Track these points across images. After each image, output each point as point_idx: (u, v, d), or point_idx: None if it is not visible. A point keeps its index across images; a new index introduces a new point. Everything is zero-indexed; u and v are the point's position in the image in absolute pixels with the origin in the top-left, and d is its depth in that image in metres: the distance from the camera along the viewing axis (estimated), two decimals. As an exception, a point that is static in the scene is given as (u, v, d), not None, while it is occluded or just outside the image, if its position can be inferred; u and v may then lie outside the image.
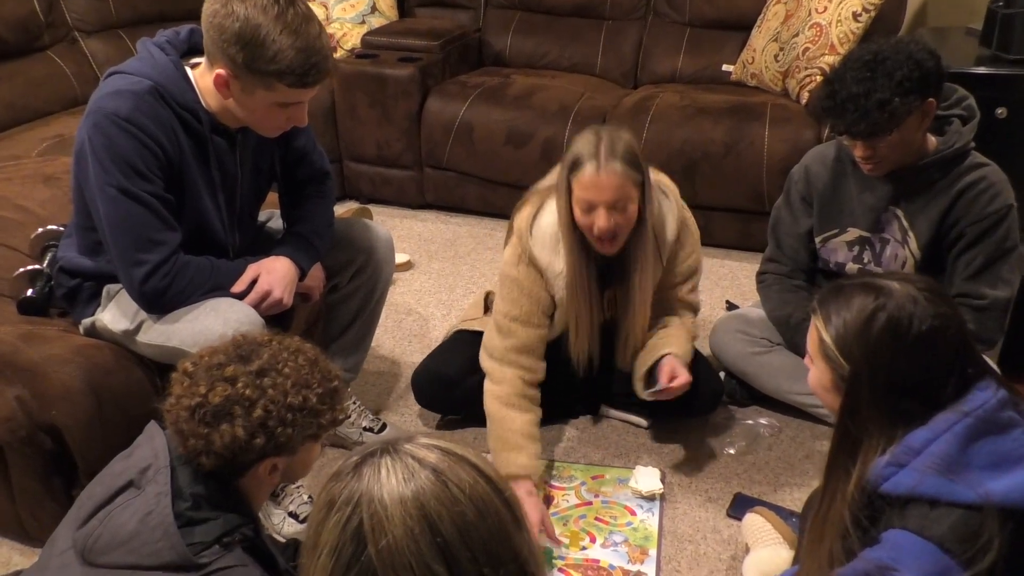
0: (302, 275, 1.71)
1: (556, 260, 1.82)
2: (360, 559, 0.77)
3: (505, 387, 1.85)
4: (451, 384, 2.03)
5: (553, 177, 1.81)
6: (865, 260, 1.95)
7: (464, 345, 2.05)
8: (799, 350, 1.96)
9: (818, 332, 1.19)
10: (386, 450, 0.83)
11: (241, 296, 1.60)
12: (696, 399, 1.98)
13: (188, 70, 1.56)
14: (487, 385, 1.89)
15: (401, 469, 0.80)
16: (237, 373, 1.14)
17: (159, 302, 1.57)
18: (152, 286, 1.54)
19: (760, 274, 2.13)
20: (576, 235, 1.76)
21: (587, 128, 1.74)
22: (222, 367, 1.15)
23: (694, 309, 2.03)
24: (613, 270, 1.87)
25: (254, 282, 1.63)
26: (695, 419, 2.12)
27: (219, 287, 1.60)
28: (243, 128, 1.63)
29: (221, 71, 1.47)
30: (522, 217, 1.85)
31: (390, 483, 0.79)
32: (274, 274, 1.64)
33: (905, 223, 1.86)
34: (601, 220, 1.68)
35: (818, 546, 1.19)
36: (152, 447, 1.17)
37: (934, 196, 1.82)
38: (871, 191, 1.87)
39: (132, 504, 1.11)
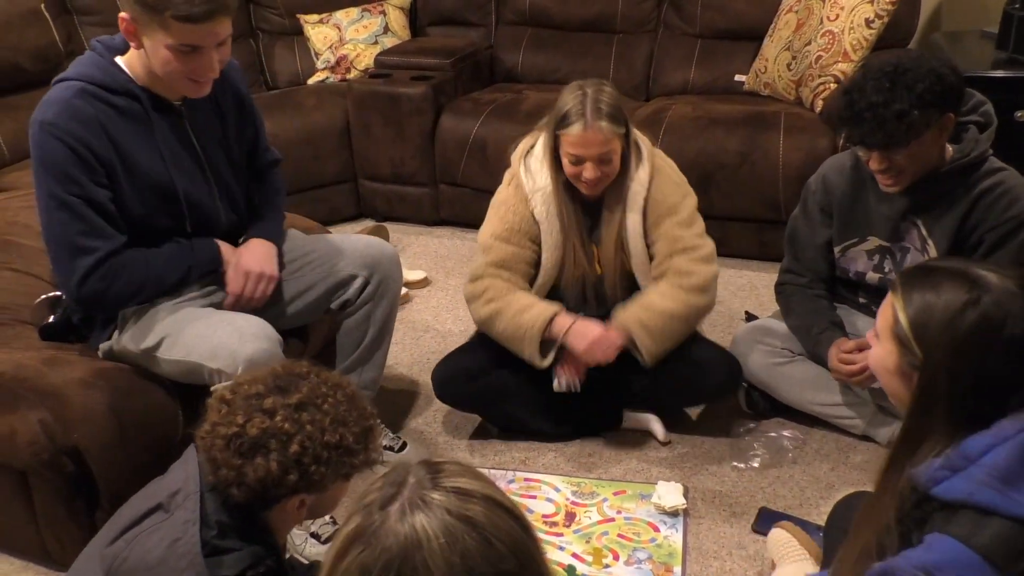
0: (280, 252, 1.78)
1: (539, 178, 1.94)
2: None
3: (491, 292, 1.94)
4: (471, 377, 2.04)
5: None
6: (886, 269, 1.93)
7: (485, 341, 2.06)
8: (821, 361, 1.95)
9: (894, 311, 1.10)
10: (411, 500, 0.77)
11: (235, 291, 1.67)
12: (711, 377, 2.00)
13: (119, 59, 1.59)
14: (476, 307, 1.96)
15: (437, 525, 0.75)
16: (276, 405, 1.13)
17: (99, 304, 1.62)
18: (89, 289, 1.57)
19: (779, 285, 2.11)
20: (559, 174, 1.90)
21: (572, 83, 1.86)
22: (261, 398, 1.14)
23: (698, 256, 1.93)
24: (596, 224, 1.96)
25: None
26: (716, 428, 2.10)
27: (159, 277, 1.63)
28: (186, 102, 1.64)
29: (124, 15, 1.49)
30: (520, 146, 2.02)
31: (429, 546, 0.74)
32: (243, 257, 1.70)
33: (924, 231, 1.84)
34: (588, 172, 1.83)
35: (857, 539, 1.14)
36: (185, 471, 1.17)
37: (952, 204, 1.80)
38: (888, 201, 1.85)
39: (160, 529, 1.11)
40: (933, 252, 1.85)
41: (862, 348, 1.85)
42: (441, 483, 0.79)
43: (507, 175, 2.02)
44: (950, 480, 1.03)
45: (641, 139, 1.96)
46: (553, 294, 2.02)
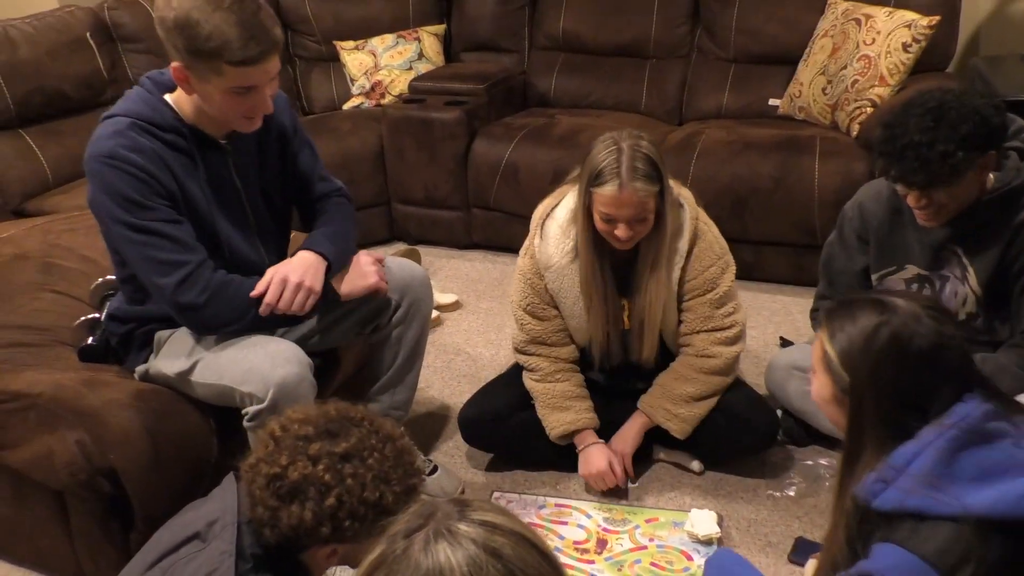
0: (330, 266, 1.70)
1: (555, 253, 1.89)
2: None
3: (537, 372, 1.99)
4: (498, 419, 2.02)
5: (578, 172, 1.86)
6: None
7: (510, 381, 2.07)
8: None
9: (822, 344, 1.22)
10: (438, 531, 0.77)
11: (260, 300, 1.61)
12: (748, 434, 1.96)
13: (167, 97, 1.61)
14: (524, 374, 2.02)
15: (462, 556, 0.74)
16: (321, 452, 1.11)
17: (200, 318, 1.59)
18: (186, 302, 1.56)
19: (814, 311, 2.08)
20: (591, 233, 1.83)
21: (607, 135, 1.75)
22: (308, 441, 1.12)
23: (723, 337, 1.92)
24: (628, 278, 1.91)
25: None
26: (750, 458, 2.06)
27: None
28: (231, 139, 1.66)
29: (176, 65, 1.51)
30: (541, 207, 1.96)
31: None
32: (288, 265, 1.65)
33: (965, 260, 1.81)
34: (621, 232, 1.77)
35: (820, 563, 1.22)
36: (223, 501, 1.16)
37: (993, 233, 1.76)
38: (927, 230, 1.82)
39: (196, 558, 1.11)
40: (973, 281, 1.81)
41: None
42: (469, 516, 0.78)
43: (526, 241, 1.97)
44: (885, 492, 1.12)
45: (685, 197, 1.89)
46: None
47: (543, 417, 1.98)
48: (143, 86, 1.63)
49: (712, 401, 1.94)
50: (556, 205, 1.92)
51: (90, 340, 1.83)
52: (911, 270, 1.89)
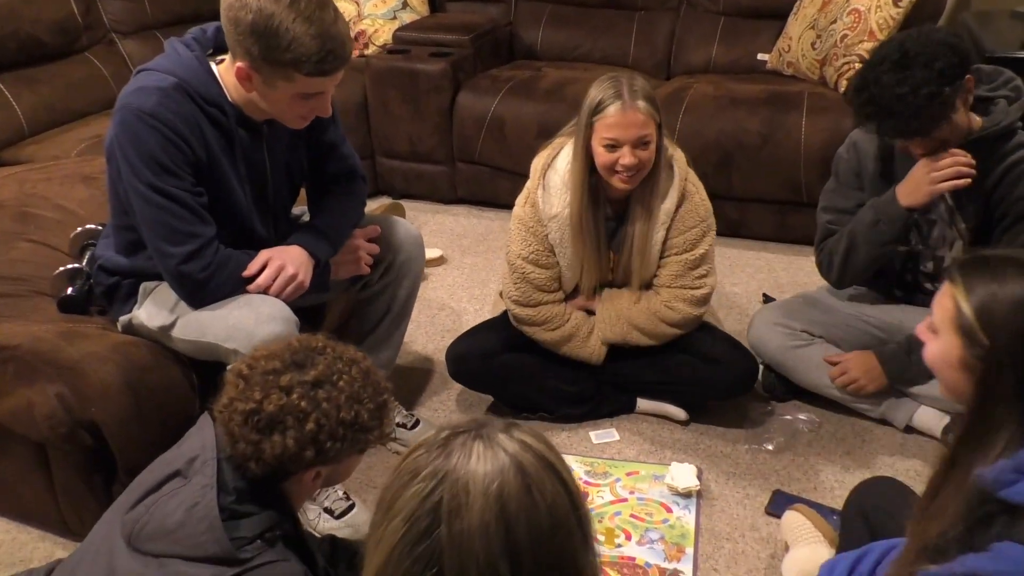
0: (317, 264, 1.70)
1: (558, 203, 1.90)
2: (432, 535, 0.78)
3: (551, 323, 1.98)
4: (485, 357, 2.04)
5: (575, 121, 1.88)
6: (912, 241, 1.92)
7: (497, 324, 2.09)
8: (892, 208, 1.84)
9: (955, 302, 1.07)
10: (479, 434, 0.82)
11: (255, 277, 1.61)
12: (729, 375, 2.00)
13: (213, 66, 1.57)
14: (532, 333, 2.00)
15: (491, 460, 0.80)
16: (292, 383, 1.14)
17: (199, 293, 1.58)
18: (189, 274, 1.55)
19: (818, 249, 2.04)
20: (588, 176, 1.85)
21: (603, 76, 1.82)
22: (278, 374, 1.15)
23: (690, 295, 1.94)
24: (615, 231, 1.95)
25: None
26: (731, 409, 2.09)
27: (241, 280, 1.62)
28: (269, 120, 1.63)
29: (242, 64, 1.48)
30: (541, 156, 1.96)
31: (476, 471, 0.79)
32: (287, 254, 1.65)
33: (952, 203, 1.83)
34: (626, 157, 1.77)
35: (915, 538, 1.09)
36: (201, 438, 1.18)
37: (980, 175, 1.78)
38: None
39: (179, 493, 1.12)
40: (961, 224, 1.83)
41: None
42: (512, 432, 0.84)
43: (525, 189, 1.97)
44: (1019, 483, 0.99)
45: (677, 157, 1.91)
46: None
47: (578, 355, 2.01)
48: (191, 48, 1.57)
49: (646, 341, 1.98)
50: (556, 155, 1.93)
51: (69, 290, 1.81)
52: None
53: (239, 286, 1.61)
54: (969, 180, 1.73)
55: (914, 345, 1.88)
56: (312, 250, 1.69)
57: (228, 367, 1.57)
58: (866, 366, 1.96)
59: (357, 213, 1.86)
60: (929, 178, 1.76)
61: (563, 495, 0.81)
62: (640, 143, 1.77)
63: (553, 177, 1.91)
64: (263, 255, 1.64)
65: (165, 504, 1.12)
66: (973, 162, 1.73)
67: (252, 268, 1.62)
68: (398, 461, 0.85)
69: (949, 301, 1.08)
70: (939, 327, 1.11)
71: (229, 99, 1.56)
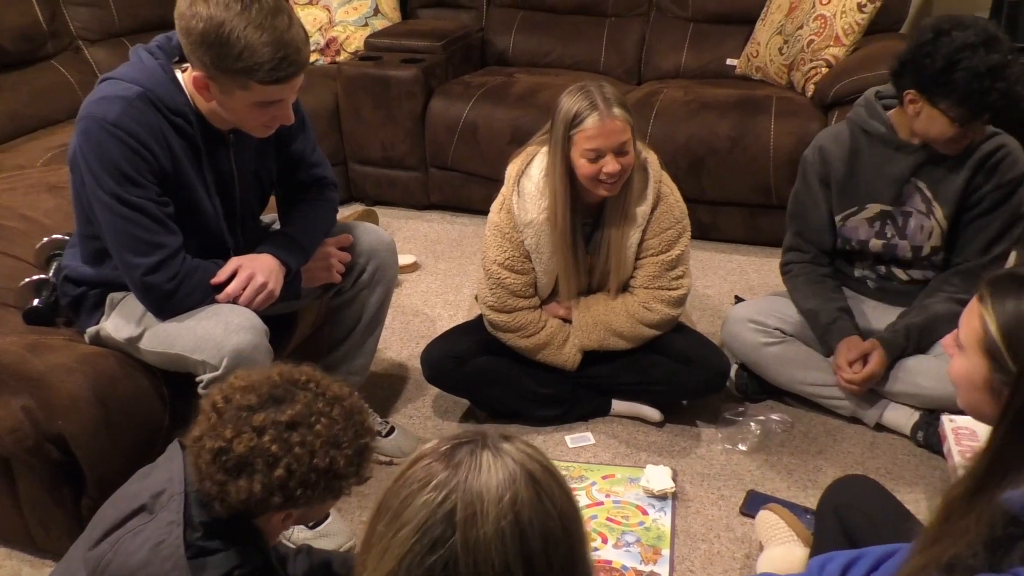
0: (288, 272, 1.69)
1: (533, 210, 1.90)
2: (446, 544, 0.77)
3: (526, 329, 1.99)
4: (459, 360, 2.03)
5: (546, 130, 1.89)
6: (888, 235, 1.95)
7: (476, 326, 2.09)
8: (829, 350, 1.98)
9: (983, 322, 1.02)
10: (485, 444, 0.83)
11: (224, 285, 1.59)
12: (702, 373, 2.01)
13: (178, 73, 1.55)
14: (507, 339, 2.00)
15: (501, 469, 0.80)
16: (266, 422, 1.08)
17: (166, 304, 1.56)
18: (156, 285, 1.53)
19: (784, 264, 2.12)
20: (567, 187, 1.85)
21: (571, 87, 1.82)
22: (252, 411, 1.09)
23: (667, 296, 1.96)
24: (591, 236, 1.96)
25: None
26: (705, 411, 2.11)
27: (209, 290, 1.60)
28: (235, 129, 1.62)
29: (198, 74, 1.46)
30: (515, 163, 1.96)
31: (490, 481, 0.79)
32: (257, 262, 1.63)
33: (928, 193, 1.88)
34: (610, 165, 1.78)
35: (923, 554, 1.03)
36: (169, 471, 1.14)
37: (956, 164, 1.83)
38: (893, 164, 1.87)
39: (144, 530, 1.09)
40: (939, 214, 1.88)
41: (866, 355, 1.91)
42: (514, 442, 0.84)
43: (500, 196, 1.97)
44: None
45: (650, 160, 1.93)
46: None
47: (552, 361, 2.02)
48: (155, 56, 1.55)
49: (623, 345, 2.00)
50: (529, 163, 1.93)
51: (35, 302, 1.78)
52: (872, 208, 1.94)
53: (207, 296, 1.59)
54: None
55: (912, 338, 1.92)
56: (283, 258, 1.68)
57: (203, 392, 1.55)
58: (881, 360, 1.91)
59: (329, 221, 1.85)
60: (841, 377, 1.94)
61: (569, 502, 0.83)
62: (621, 150, 1.79)
63: (527, 184, 1.92)
64: (232, 263, 1.62)
65: (130, 541, 1.09)
66: (861, 389, 1.94)
67: (221, 276, 1.60)
68: (400, 471, 0.84)
69: (976, 320, 1.04)
70: (966, 345, 1.06)
71: (194, 108, 1.55)
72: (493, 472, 0.80)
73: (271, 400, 1.10)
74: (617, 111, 1.76)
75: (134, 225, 1.50)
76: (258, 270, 1.62)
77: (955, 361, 1.10)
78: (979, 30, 1.66)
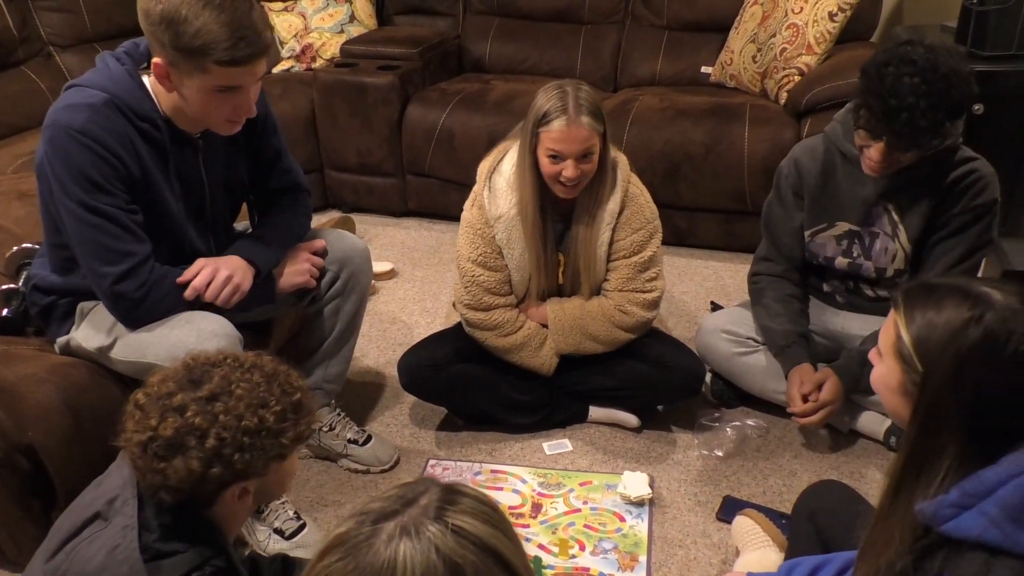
0: (258, 273, 1.69)
1: (504, 204, 1.92)
2: None
3: (503, 328, 1.98)
4: (436, 367, 2.03)
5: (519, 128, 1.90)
6: (855, 254, 1.95)
7: (448, 335, 2.09)
8: (783, 371, 1.98)
9: (896, 329, 1.07)
10: (408, 529, 0.75)
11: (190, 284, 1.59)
12: (677, 376, 2.02)
13: (145, 79, 1.54)
14: (484, 338, 1.99)
15: (421, 565, 0.73)
16: (186, 401, 1.08)
17: (135, 313, 1.55)
18: (124, 293, 1.52)
19: (753, 275, 2.12)
20: (535, 180, 1.86)
21: (550, 83, 1.83)
22: (171, 396, 1.09)
23: (642, 299, 1.96)
24: (563, 234, 1.97)
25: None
26: (681, 417, 2.12)
27: (180, 299, 1.59)
28: (205, 134, 1.61)
29: (159, 60, 1.46)
30: (486, 161, 1.98)
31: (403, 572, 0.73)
32: (222, 260, 1.63)
33: (896, 216, 1.88)
34: (569, 171, 1.80)
35: (861, 567, 1.09)
36: (120, 476, 1.13)
37: (925, 189, 1.83)
38: (864, 185, 1.87)
39: (99, 537, 1.08)
40: (903, 237, 1.88)
41: (821, 385, 1.90)
42: (446, 516, 0.76)
43: (472, 193, 1.98)
44: (960, 517, 0.98)
45: (620, 162, 1.94)
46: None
47: (529, 364, 2.01)
48: (122, 63, 1.54)
49: (599, 348, 2.01)
50: (501, 159, 1.95)
51: (5, 312, 1.76)
52: (841, 227, 1.94)
53: (176, 305, 1.58)
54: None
55: (865, 359, 1.91)
56: (249, 257, 1.67)
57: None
58: (835, 389, 1.89)
59: (301, 225, 1.84)
60: (794, 410, 1.91)
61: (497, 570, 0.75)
62: (583, 157, 1.80)
63: (498, 180, 1.93)
64: (198, 263, 1.62)
65: (85, 549, 1.08)
66: (833, 411, 1.89)
67: (187, 274, 1.60)
68: (316, 552, 0.78)
69: (892, 327, 1.09)
70: (883, 352, 1.12)
71: (162, 113, 1.54)
72: (408, 565, 0.72)
73: (189, 383, 1.10)
74: (585, 119, 1.76)
75: (102, 233, 1.49)
76: (223, 265, 1.62)
77: (875, 369, 1.15)
78: (920, 56, 1.62)
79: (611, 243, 1.95)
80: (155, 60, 1.46)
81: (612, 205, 1.91)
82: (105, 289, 1.52)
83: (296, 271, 1.77)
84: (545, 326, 2.02)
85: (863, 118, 1.69)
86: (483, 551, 0.74)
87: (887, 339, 1.11)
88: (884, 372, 1.12)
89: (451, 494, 0.78)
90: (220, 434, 1.07)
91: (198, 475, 1.07)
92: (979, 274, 2.02)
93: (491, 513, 0.78)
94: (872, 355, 1.16)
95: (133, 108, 1.50)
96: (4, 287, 1.81)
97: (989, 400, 0.99)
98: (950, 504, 0.98)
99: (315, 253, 1.82)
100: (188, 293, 1.59)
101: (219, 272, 1.60)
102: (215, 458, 1.07)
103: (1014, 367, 0.98)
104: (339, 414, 2.01)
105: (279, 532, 1.74)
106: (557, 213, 1.95)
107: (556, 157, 1.80)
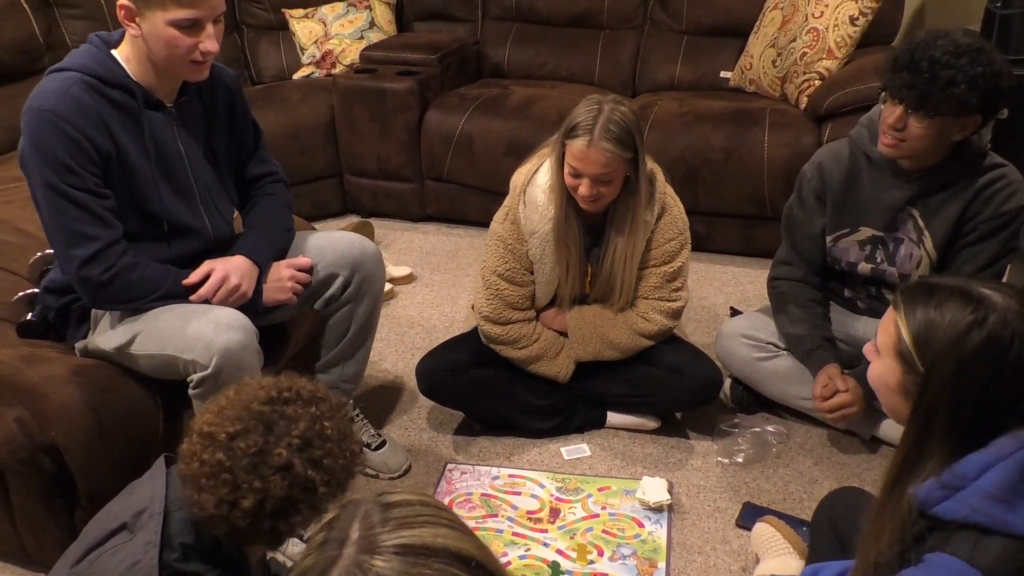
0: (261, 272, 1.71)
1: (539, 220, 1.90)
2: None
3: (521, 341, 1.99)
4: (455, 372, 2.03)
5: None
6: (878, 260, 1.94)
7: (467, 340, 2.09)
8: (811, 374, 1.96)
9: (897, 328, 1.08)
10: (356, 563, 0.70)
11: (196, 288, 1.61)
12: (694, 383, 2.01)
13: (115, 52, 1.59)
14: (500, 350, 1.99)
15: None
16: (290, 458, 1.08)
17: (101, 294, 1.57)
18: (89, 277, 1.54)
19: (772, 279, 2.10)
20: (566, 189, 1.86)
21: (594, 96, 1.81)
22: (264, 456, 1.07)
23: (666, 307, 1.97)
24: (594, 246, 1.96)
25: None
26: (701, 422, 2.11)
27: (175, 295, 1.61)
28: (179, 105, 1.64)
29: (123, 1, 1.50)
30: (521, 172, 1.96)
31: None
32: (229, 264, 1.65)
33: (921, 223, 1.86)
34: (584, 188, 1.80)
35: (860, 558, 1.12)
36: (151, 489, 1.14)
37: (953, 195, 1.81)
38: (891, 190, 1.85)
39: (122, 550, 1.09)
40: (929, 243, 1.86)
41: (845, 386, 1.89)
42: (382, 543, 0.71)
43: (504, 206, 1.96)
44: (948, 500, 1.01)
45: (656, 173, 1.93)
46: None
47: (545, 372, 2.02)
48: (92, 43, 1.59)
49: (618, 356, 2.01)
50: (536, 170, 1.93)
51: (29, 316, 1.78)
52: (864, 232, 1.93)
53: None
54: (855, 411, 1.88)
55: None
56: (257, 258, 1.71)
57: (193, 392, 1.55)
58: (857, 393, 1.88)
59: (287, 211, 1.88)
60: (818, 405, 1.90)
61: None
62: (600, 179, 1.78)
63: (534, 192, 1.91)
64: (206, 265, 1.64)
65: (108, 560, 1.09)
66: (854, 412, 1.88)
67: (194, 277, 1.62)
68: (294, 566, 0.76)
69: (892, 326, 1.10)
70: (882, 350, 1.13)
71: (134, 79, 1.58)
72: None
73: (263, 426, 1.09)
74: (606, 145, 1.73)
75: (68, 217, 1.51)
76: (232, 272, 1.64)
77: (873, 365, 1.15)
78: (964, 37, 1.65)
79: (644, 251, 1.94)
80: (120, 2, 1.50)
81: (649, 217, 1.90)
82: (72, 273, 1.55)
83: (279, 287, 1.76)
84: (563, 334, 2.02)
85: (886, 76, 1.69)
86: (434, 556, 0.70)
87: (886, 338, 1.11)
88: (882, 370, 1.12)
89: (378, 513, 0.73)
90: (325, 477, 1.09)
91: (248, 529, 1.08)
92: (1004, 280, 2.00)
93: (425, 511, 0.74)
94: (868, 351, 1.17)
95: (104, 78, 1.54)
96: (27, 292, 1.83)
97: (990, 401, 1.01)
98: (939, 487, 1.02)
99: (300, 270, 1.81)
100: (194, 298, 1.61)
101: (228, 280, 1.63)
102: (269, 518, 1.08)
103: (1017, 370, 1.00)
104: (358, 415, 2.02)
105: (298, 536, 1.74)
106: (589, 223, 1.94)
107: (576, 174, 1.79)
